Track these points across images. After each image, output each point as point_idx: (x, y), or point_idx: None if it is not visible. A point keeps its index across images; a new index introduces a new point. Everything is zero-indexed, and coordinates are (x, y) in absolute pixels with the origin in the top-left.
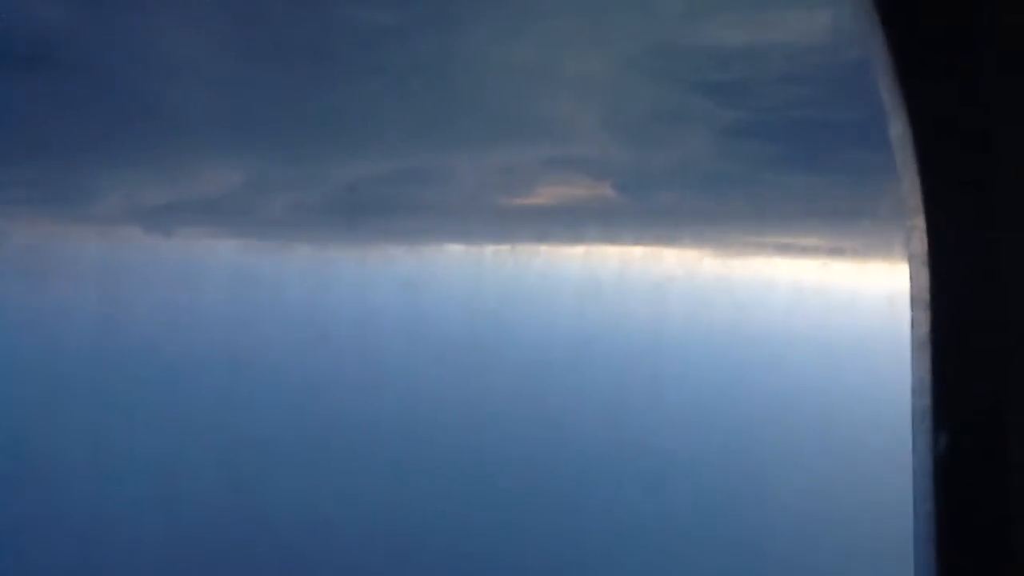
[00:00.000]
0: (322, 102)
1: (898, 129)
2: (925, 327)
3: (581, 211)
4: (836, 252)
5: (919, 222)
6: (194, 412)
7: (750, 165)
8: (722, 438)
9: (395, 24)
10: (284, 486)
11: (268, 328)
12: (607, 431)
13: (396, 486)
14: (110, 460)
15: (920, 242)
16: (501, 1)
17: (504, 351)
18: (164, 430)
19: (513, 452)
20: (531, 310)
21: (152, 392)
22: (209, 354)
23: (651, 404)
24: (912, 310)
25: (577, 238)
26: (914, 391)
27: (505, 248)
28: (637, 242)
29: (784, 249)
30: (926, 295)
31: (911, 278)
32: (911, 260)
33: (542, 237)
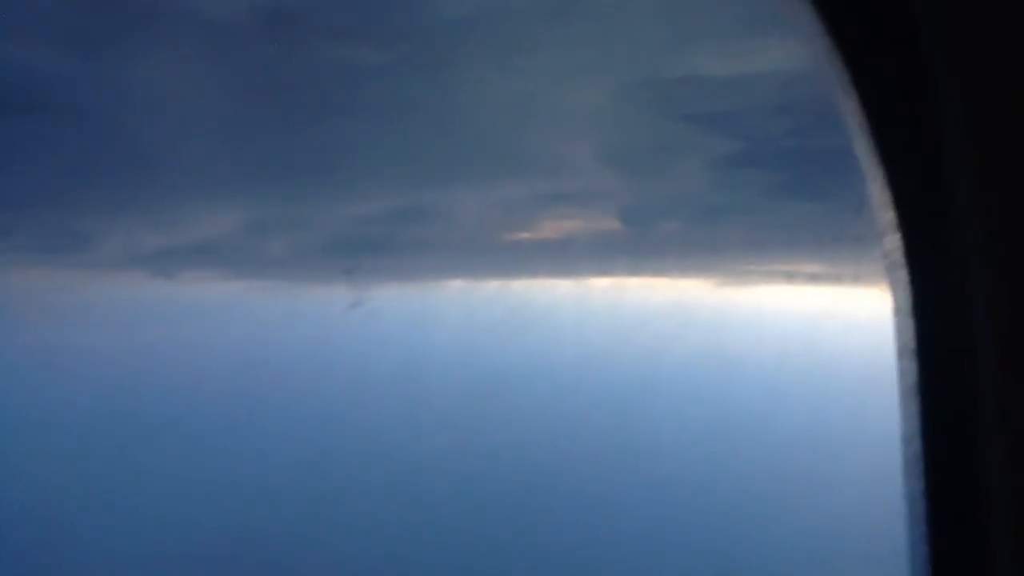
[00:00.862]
0: (318, 143)
1: (875, 189)
2: (912, 376)
3: (582, 244)
4: (840, 278)
5: (902, 275)
6: (202, 458)
7: (748, 194)
8: (727, 469)
9: (385, 63)
10: (292, 534)
11: (273, 368)
12: (610, 463)
13: (405, 522)
14: (115, 511)
15: (903, 294)
16: (488, 39)
17: (509, 384)
18: (169, 481)
19: (517, 482)
20: (535, 343)
21: (160, 439)
22: (215, 397)
23: (654, 435)
24: (899, 360)
25: (580, 271)
26: (904, 439)
27: (507, 283)
28: (639, 273)
29: (788, 276)
30: (912, 345)
31: (897, 329)
32: (896, 312)
33: (545, 271)
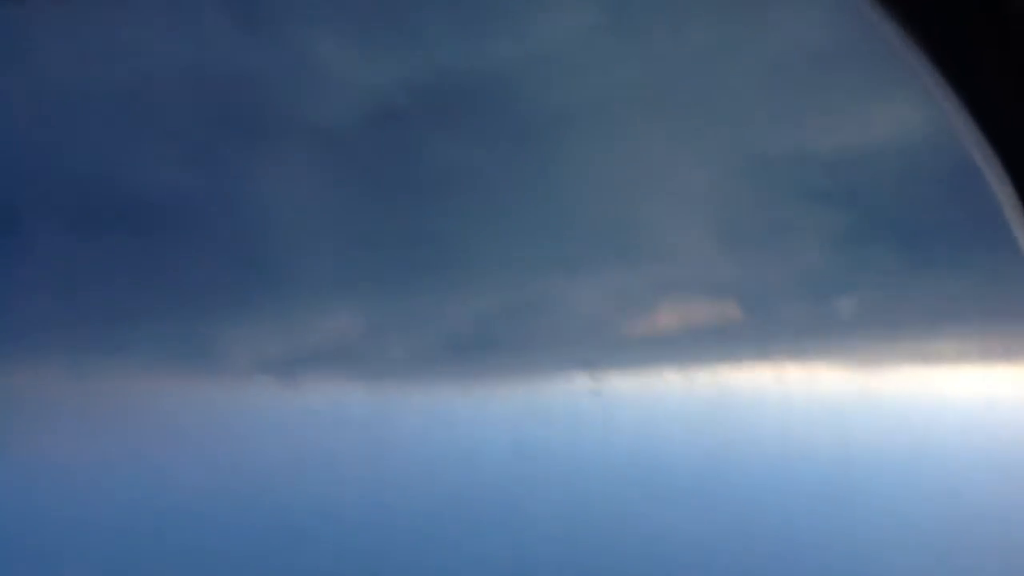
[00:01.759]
0: (431, 241)
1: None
2: None
3: (702, 331)
4: (987, 356)
5: None
6: (344, 558)
7: (876, 271)
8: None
9: (492, 158)
10: None
11: (399, 471)
12: (734, 559)
13: None
14: None
15: None
16: (592, 127)
17: (637, 480)
18: None
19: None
20: (658, 437)
21: (302, 547)
22: (349, 499)
23: (785, 535)
24: None
25: (701, 359)
26: None
27: (626, 374)
28: (765, 359)
29: (927, 356)
30: None
31: None
32: None
33: (664, 361)
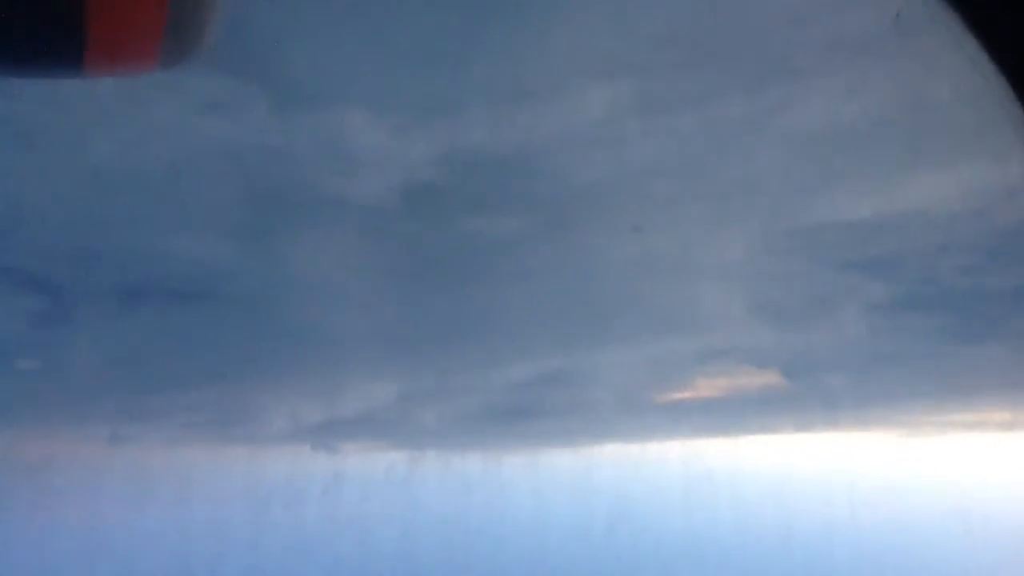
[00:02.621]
0: (464, 312)
1: None
2: None
3: (742, 401)
4: None
5: None
6: None
7: (918, 340)
8: None
9: (523, 231)
10: None
11: (433, 533)
12: None
13: None
14: None
15: None
16: (621, 199)
17: (679, 554)
18: None
19: None
20: (699, 508)
21: None
22: (385, 560)
23: None
24: None
25: (742, 429)
26: None
27: (665, 445)
28: (807, 429)
29: (973, 426)
30: None
31: None
32: None
33: (704, 431)
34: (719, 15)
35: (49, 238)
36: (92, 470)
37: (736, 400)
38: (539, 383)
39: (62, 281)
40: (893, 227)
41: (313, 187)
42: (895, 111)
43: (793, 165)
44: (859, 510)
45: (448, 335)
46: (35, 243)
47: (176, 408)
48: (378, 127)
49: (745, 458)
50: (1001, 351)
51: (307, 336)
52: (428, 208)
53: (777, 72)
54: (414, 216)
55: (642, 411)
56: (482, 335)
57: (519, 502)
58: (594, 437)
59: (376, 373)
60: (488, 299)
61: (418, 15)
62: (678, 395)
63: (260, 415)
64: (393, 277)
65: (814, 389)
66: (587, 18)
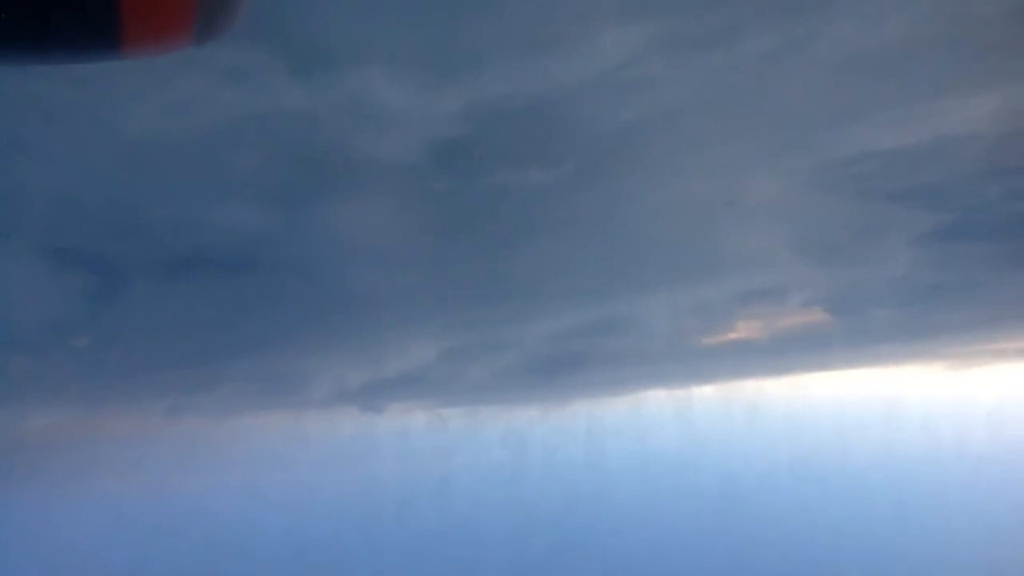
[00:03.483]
0: (504, 266)
1: None
2: None
3: (791, 340)
4: None
5: None
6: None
7: (966, 269)
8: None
9: (556, 181)
10: None
11: (483, 488)
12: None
13: None
14: None
15: None
16: (654, 140)
17: (737, 492)
18: None
19: None
20: (757, 448)
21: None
22: (436, 516)
23: (895, 550)
24: None
25: (793, 368)
26: None
27: (714, 387)
28: (858, 365)
29: (1019, 353)
30: None
31: None
32: None
33: (754, 371)
34: None
35: (94, 217)
36: (145, 441)
37: (784, 339)
38: (583, 333)
39: (110, 258)
40: (938, 154)
41: (344, 150)
42: (933, 30)
43: (829, 95)
44: (902, 442)
45: (488, 289)
46: (82, 222)
47: (228, 377)
48: (402, 85)
49: (797, 396)
50: None
51: (350, 299)
52: (460, 164)
53: None
54: (447, 173)
55: (689, 355)
56: (522, 288)
57: (567, 451)
58: (642, 384)
59: (419, 332)
60: (526, 252)
61: None
62: (724, 337)
63: (308, 380)
64: (430, 236)
65: (861, 324)
66: None
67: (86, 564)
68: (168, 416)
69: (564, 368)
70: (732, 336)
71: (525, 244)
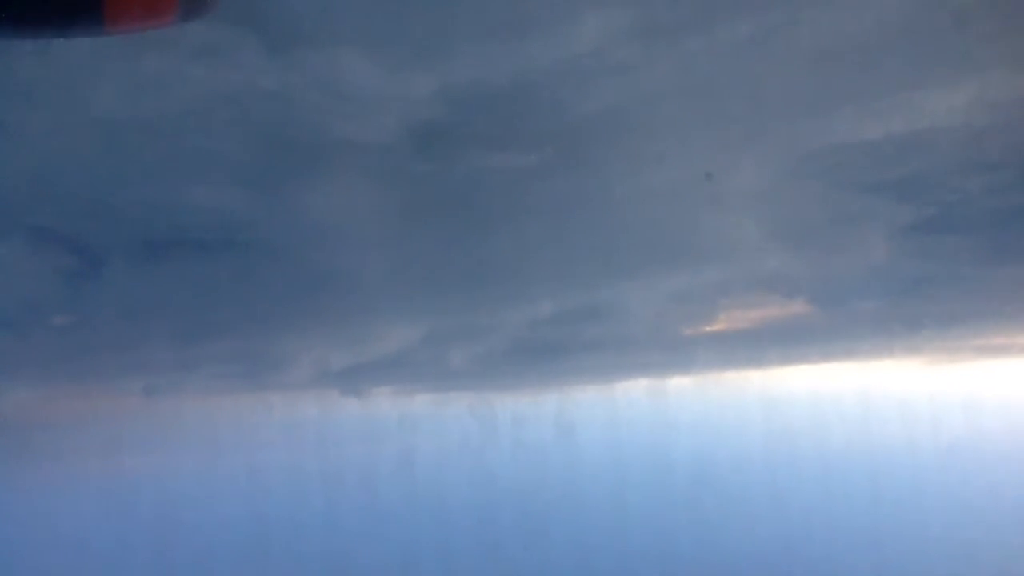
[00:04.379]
0: (484, 251)
1: None
2: None
3: (770, 332)
4: None
5: None
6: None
7: (947, 263)
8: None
9: (535, 165)
10: None
11: (463, 472)
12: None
13: None
14: None
15: None
16: (632, 126)
17: (711, 483)
18: None
19: None
20: (730, 440)
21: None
22: (414, 499)
23: (870, 544)
24: None
25: (771, 360)
26: None
27: (692, 378)
28: (837, 358)
29: (1002, 350)
30: None
31: None
32: None
33: (732, 363)
34: None
35: (70, 196)
36: (124, 421)
37: (763, 330)
38: (562, 320)
39: (88, 238)
40: (917, 146)
41: (318, 130)
42: (911, 21)
43: (806, 84)
44: (880, 435)
45: (470, 275)
46: (58, 202)
47: (207, 358)
48: (375, 65)
49: (776, 389)
50: None
51: (329, 281)
52: (437, 147)
53: None
54: (424, 156)
55: (667, 345)
56: (502, 273)
57: (544, 437)
58: (621, 373)
59: (400, 316)
60: (506, 237)
61: None
62: (703, 328)
63: (288, 362)
64: (410, 218)
65: (840, 317)
66: None
67: (60, 542)
68: (146, 396)
69: (543, 355)
70: (710, 327)
71: (503, 228)
